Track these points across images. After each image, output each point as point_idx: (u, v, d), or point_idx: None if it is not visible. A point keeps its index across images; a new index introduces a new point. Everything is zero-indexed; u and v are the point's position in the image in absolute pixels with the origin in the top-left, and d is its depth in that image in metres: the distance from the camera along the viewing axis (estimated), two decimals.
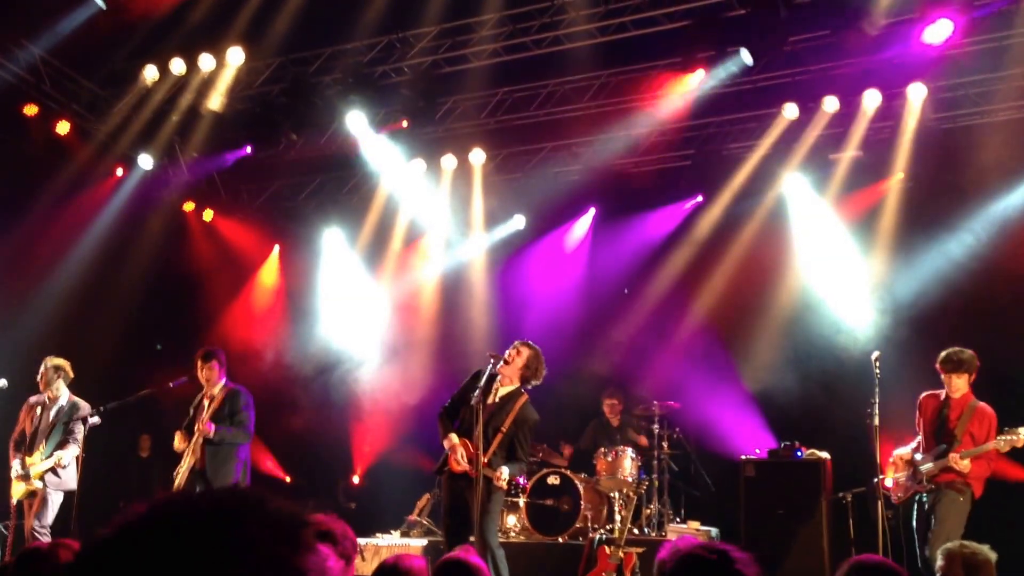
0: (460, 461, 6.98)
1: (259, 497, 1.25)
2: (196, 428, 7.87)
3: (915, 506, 7.14)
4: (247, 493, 1.26)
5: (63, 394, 8.40)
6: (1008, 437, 6.71)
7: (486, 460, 6.93)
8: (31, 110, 10.41)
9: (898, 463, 7.26)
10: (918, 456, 7.15)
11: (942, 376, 7.11)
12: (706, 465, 10.23)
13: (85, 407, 8.33)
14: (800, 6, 8.92)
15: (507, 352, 7.20)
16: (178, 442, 7.96)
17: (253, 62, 10.53)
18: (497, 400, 7.15)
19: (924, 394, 7.29)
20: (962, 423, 6.92)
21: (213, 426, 7.74)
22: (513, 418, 7.07)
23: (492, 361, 7.23)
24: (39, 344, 9.45)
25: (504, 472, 6.92)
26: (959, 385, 7.01)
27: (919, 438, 7.28)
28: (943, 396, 7.12)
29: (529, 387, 7.25)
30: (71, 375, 8.47)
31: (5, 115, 10.23)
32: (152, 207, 11.92)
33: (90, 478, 7.96)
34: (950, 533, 6.56)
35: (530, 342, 7.29)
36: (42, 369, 8.37)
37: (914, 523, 7.16)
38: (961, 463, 6.72)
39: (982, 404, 7.01)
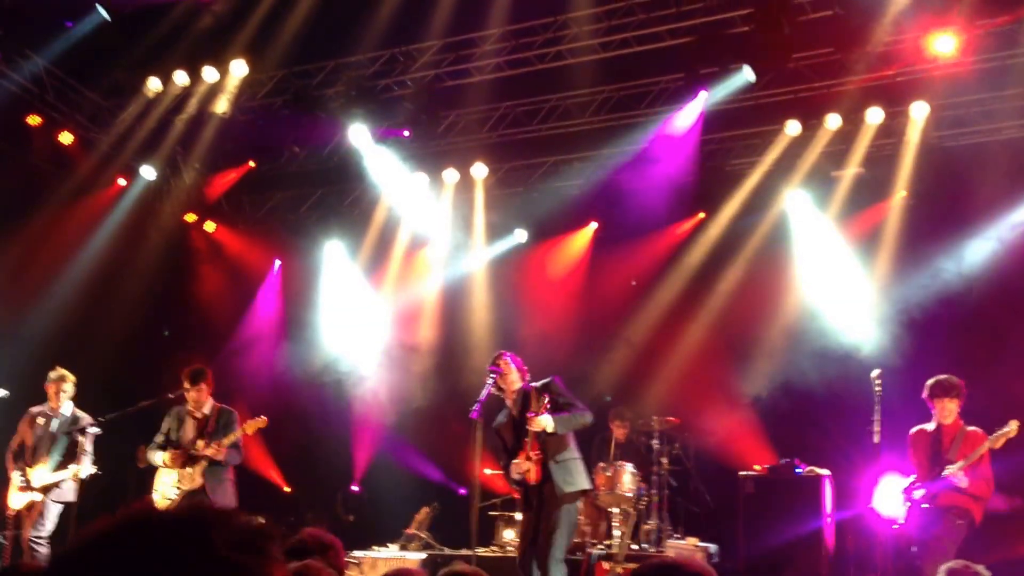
0: (525, 472, 6.87)
1: (226, 513, 1.29)
2: (197, 449, 7.83)
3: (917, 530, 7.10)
4: (214, 509, 1.30)
5: (66, 406, 8.38)
6: (1000, 432, 6.71)
7: (539, 456, 6.81)
8: (34, 120, 10.45)
9: (899, 496, 7.22)
10: (916, 485, 7.12)
11: (932, 403, 7.03)
12: (705, 481, 10.20)
13: (86, 419, 8.30)
14: (803, 23, 8.94)
15: (497, 367, 7.10)
16: (169, 460, 7.90)
17: (256, 74, 10.56)
18: (520, 409, 7.06)
19: (913, 429, 7.21)
20: (955, 448, 6.90)
21: (226, 451, 7.76)
22: (536, 403, 6.96)
23: (492, 375, 7.23)
24: (40, 354, 9.43)
25: (543, 419, 6.75)
26: (952, 409, 6.97)
27: (913, 476, 7.24)
28: (933, 427, 7.08)
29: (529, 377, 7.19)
30: (74, 389, 8.46)
31: (9, 125, 10.25)
32: (154, 218, 11.93)
33: (89, 489, 7.94)
34: (940, 551, 6.56)
35: (501, 352, 7.22)
36: (54, 379, 8.34)
37: (913, 548, 7.10)
38: (958, 473, 6.70)
39: (973, 428, 6.98)
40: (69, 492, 8.21)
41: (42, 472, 8.12)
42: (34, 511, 8.10)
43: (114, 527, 1.26)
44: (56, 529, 8.27)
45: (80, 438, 8.17)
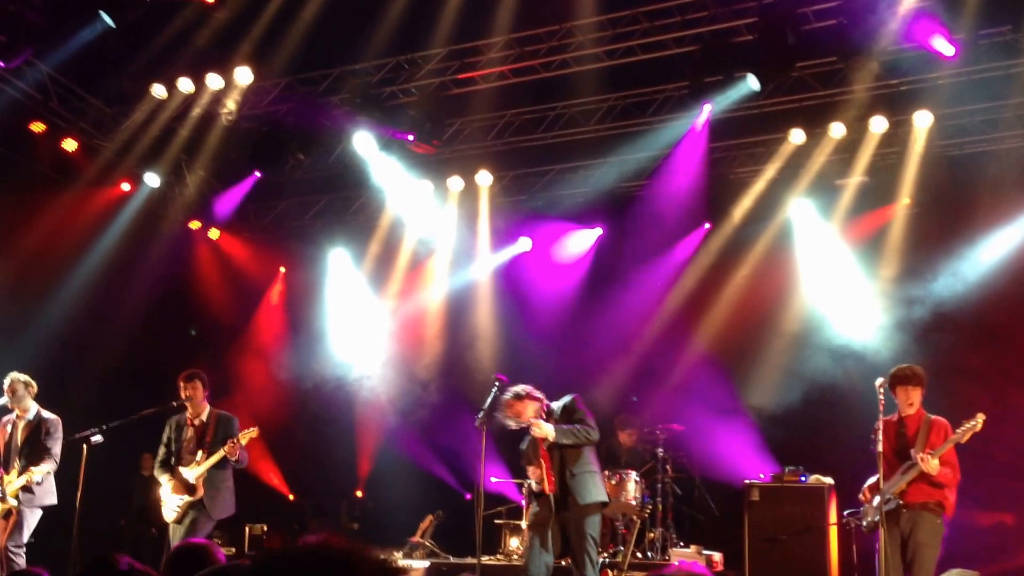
0: (539, 480, 6.97)
1: (362, 551, 1.37)
2: (199, 458, 7.77)
3: (885, 529, 6.89)
4: (354, 547, 1.38)
5: (31, 408, 8.29)
6: (966, 426, 6.57)
7: (548, 463, 6.90)
8: (38, 127, 10.45)
9: (866, 493, 7.10)
10: (882, 481, 6.97)
11: (894, 392, 6.83)
12: (710, 489, 10.19)
13: (54, 420, 8.24)
14: (808, 33, 8.97)
15: (511, 412, 7.05)
16: (170, 488, 7.86)
17: (261, 82, 10.56)
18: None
19: (878, 421, 6.96)
20: (920, 437, 6.75)
21: (246, 455, 7.77)
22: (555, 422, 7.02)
23: (497, 383, 7.28)
24: (44, 361, 9.41)
25: (544, 426, 6.85)
26: (915, 399, 6.84)
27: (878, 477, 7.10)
28: (896, 418, 6.93)
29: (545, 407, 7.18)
30: (36, 389, 8.39)
31: (13, 132, 10.25)
32: (158, 225, 11.93)
33: (92, 496, 7.88)
34: (932, 557, 6.50)
35: (510, 399, 7.10)
36: (8, 384, 8.21)
37: (885, 546, 6.91)
38: (930, 462, 6.57)
39: (936, 417, 6.85)
40: (46, 496, 8.09)
41: (13, 478, 8.04)
42: (11, 520, 8.00)
43: (255, 569, 1.31)
44: (55, 533, 8.21)
45: (53, 441, 8.11)
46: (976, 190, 9.80)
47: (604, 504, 7.16)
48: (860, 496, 7.05)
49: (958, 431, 6.62)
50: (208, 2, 9.45)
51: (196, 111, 10.69)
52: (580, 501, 6.86)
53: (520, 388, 7.10)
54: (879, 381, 7.32)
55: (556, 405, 7.13)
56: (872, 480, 6.95)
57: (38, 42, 9.64)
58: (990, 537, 8.97)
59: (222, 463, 7.80)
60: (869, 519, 6.89)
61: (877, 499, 6.81)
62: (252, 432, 7.84)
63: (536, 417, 7.00)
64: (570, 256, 12.02)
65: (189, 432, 7.93)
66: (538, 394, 7.12)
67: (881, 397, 7.21)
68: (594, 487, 6.97)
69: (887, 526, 6.69)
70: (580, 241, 11.96)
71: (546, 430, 6.86)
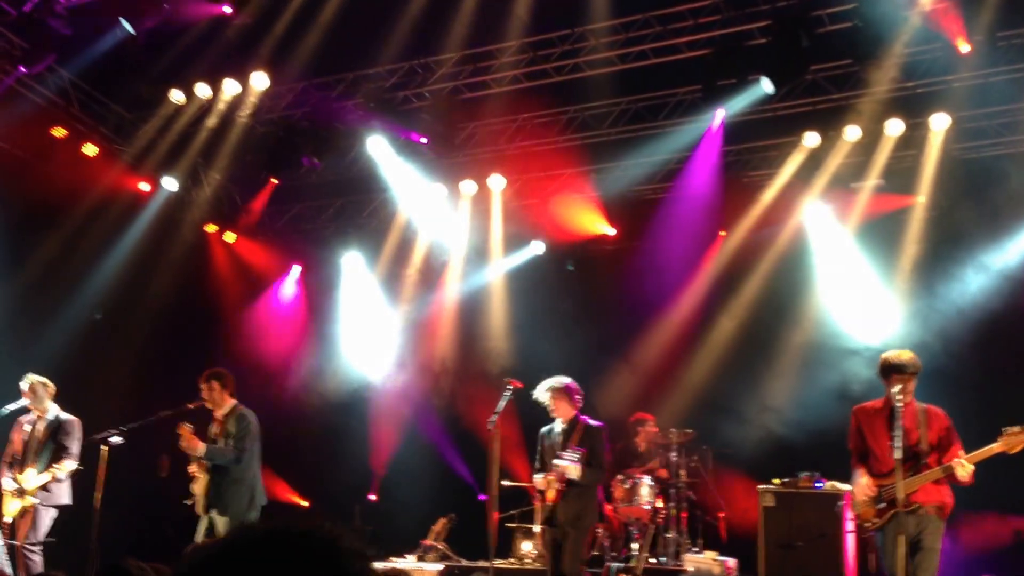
0: (545, 490, 7.36)
1: (333, 533, 1.33)
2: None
3: (888, 532, 6.55)
4: (318, 529, 1.34)
5: (51, 409, 8.42)
6: (1013, 435, 6.03)
7: (561, 487, 7.26)
8: (60, 132, 10.58)
9: (864, 491, 6.71)
10: (884, 479, 6.61)
11: (891, 381, 6.29)
12: (725, 494, 10.14)
13: (73, 421, 8.35)
14: (822, 35, 8.94)
15: (547, 404, 7.41)
16: (199, 483, 7.87)
17: (276, 86, 10.65)
18: (566, 435, 7.40)
19: (858, 408, 6.64)
20: (921, 431, 6.33)
21: (201, 445, 7.57)
22: (578, 440, 7.29)
23: (510, 387, 7.36)
24: (63, 363, 9.52)
25: (572, 468, 7.17)
26: (910, 389, 6.33)
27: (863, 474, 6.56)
28: (884, 408, 6.41)
29: (582, 410, 7.46)
30: (54, 390, 8.48)
31: (34, 136, 10.39)
32: (175, 229, 12.04)
33: (110, 498, 7.95)
34: (937, 561, 6.29)
35: (555, 384, 7.42)
36: (29, 385, 8.34)
37: (887, 548, 6.61)
38: (967, 467, 6.10)
39: (930, 406, 6.43)
40: (62, 495, 8.22)
41: (30, 476, 8.16)
42: (27, 518, 8.11)
43: (223, 547, 1.29)
44: (74, 534, 8.29)
45: (72, 441, 8.20)
46: (993, 193, 9.72)
47: (591, 526, 7.55)
48: (856, 492, 6.56)
49: (1002, 440, 6.10)
50: (227, 14, 9.56)
51: (213, 116, 10.80)
52: (572, 526, 7.19)
53: (559, 383, 7.42)
54: (896, 388, 7.16)
55: (590, 422, 7.37)
56: (864, 478, 6.50)
57: (60, 49, 9.77)
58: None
59: (223, 460, 7.74)
60: (873, 519, 6.46)
61: (870, 500, 6.51)
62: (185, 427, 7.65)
63: (567, 415, 7.36)
64: (581, 259, 11.98)
65: (214, 427, 7.99)
66: (576, 396, 7.43)
67: (899, 403, 7.08)
68: (586, 509, 7.26)
69: (892, 526, 6.30)
70: (592, 245, 11.90)
71: (573, 473, 7.17)
